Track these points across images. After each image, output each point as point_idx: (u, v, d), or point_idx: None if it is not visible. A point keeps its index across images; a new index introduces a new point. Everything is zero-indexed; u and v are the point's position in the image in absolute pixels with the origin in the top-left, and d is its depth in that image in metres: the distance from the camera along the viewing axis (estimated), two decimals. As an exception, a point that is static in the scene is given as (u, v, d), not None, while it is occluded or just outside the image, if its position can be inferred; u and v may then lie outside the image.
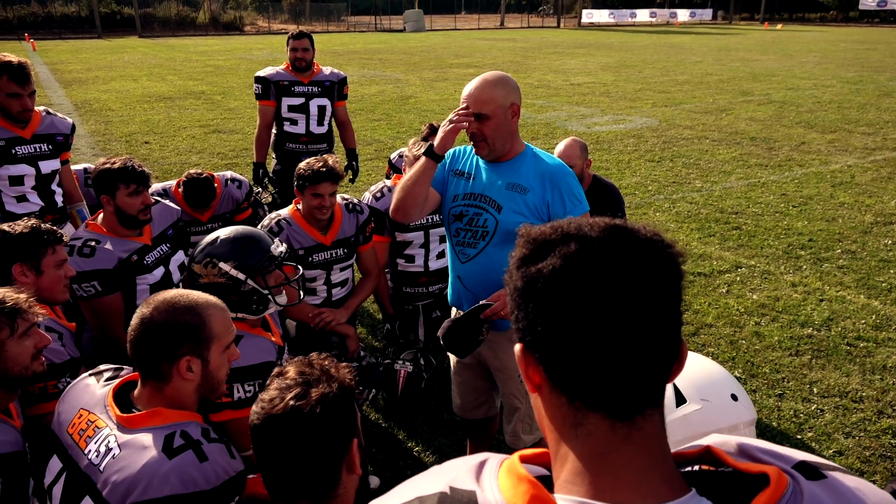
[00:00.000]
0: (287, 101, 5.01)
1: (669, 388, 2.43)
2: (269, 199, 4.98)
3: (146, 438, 1.59)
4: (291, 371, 1.42)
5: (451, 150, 2.74)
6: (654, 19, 52.18)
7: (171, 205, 3.43)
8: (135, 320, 1.73)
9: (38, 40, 29.93)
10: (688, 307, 4.83)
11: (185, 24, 40.22)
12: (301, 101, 5.02)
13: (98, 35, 35.56)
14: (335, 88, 5.14)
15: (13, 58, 3.39)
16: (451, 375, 2.93)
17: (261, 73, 5.06)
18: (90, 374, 1.86)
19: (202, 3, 42.83)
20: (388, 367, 3.75)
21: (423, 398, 3.77)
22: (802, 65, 20.89)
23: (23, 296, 1.99)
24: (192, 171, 4.00)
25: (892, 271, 5.46)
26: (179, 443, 1.57)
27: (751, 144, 10.04)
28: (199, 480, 1.53)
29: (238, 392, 2.26)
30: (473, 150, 2.54)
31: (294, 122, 5.06)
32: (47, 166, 3.61)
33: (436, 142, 2.45)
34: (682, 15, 52.82)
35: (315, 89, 5.05)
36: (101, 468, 1.58)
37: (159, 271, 3.15)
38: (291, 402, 1.35)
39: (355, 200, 3.69)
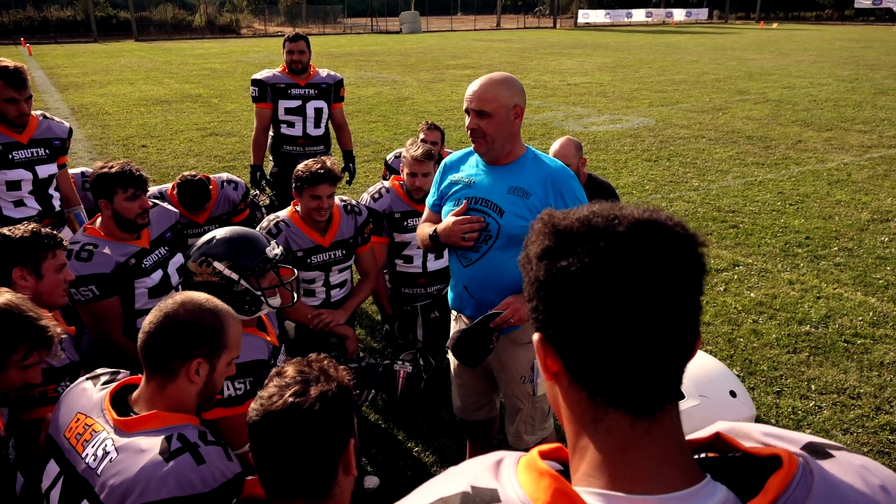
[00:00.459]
0: (284, 104, 5.01)
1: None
2: (267, 202, 4.99)
3: (143, 442, 1.60)
4: (290, 370, 1.43)
5: (445, 161, 2.75)
6: (650, 19, 52.27)
7: (169, 208, 3.43)
8: (157, 314, 1.73)
9: (34, 45, 29.92)
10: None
11: (181, 28, 40.21)
12: (298, 103, 5.03)
13: (94, 39, 35.54)
14: (332, 90, 5.15)
15: (9, 62, 3.39)
16: (452, 377, 2.94)
17: (257, 76, 5.07)
18: (87, 378, 1.87)
19: (198, 6, 42.82)
20: (388, 368, 3.75)
21: (422, 399, 3.78)
22: (798, 63, 20.94)
23: (59, 330, 2.02)
24: (186, 173, 4.00)
25: (888, 268, 5.48)
26: (177, 446, 1.58)
27: (747, 143, 10.06)
28: (196, 483, 1.54)
29: (228, 389, 2.27)
30: (473, 147, 2.54)
31: (291, 125, 5.06)
32: (44, 171, 3.61)
33: (440, 230, 2.58)
34: (678, 14, 52.92)
35: (312, 92, 5.05)
36: (99, 472, 1.58)
37: (157, 274, 3.15)
38: (290, 399, 1.35)
39: (353, 202, 3.69)
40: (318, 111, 5.08)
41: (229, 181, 4.20)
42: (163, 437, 1.60)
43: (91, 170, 3.20)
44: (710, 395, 2.50)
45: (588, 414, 0.76)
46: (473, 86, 2.46)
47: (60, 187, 3.74)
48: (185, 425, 1.66)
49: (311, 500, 1.36)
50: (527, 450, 2.28)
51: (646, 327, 0.71)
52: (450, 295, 2.77)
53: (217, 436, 1.71)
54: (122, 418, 1.67)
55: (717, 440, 0.80)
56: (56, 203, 3.72)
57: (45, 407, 2.35)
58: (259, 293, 2.45)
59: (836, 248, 5.91)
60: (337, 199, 3.56)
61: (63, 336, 2.07)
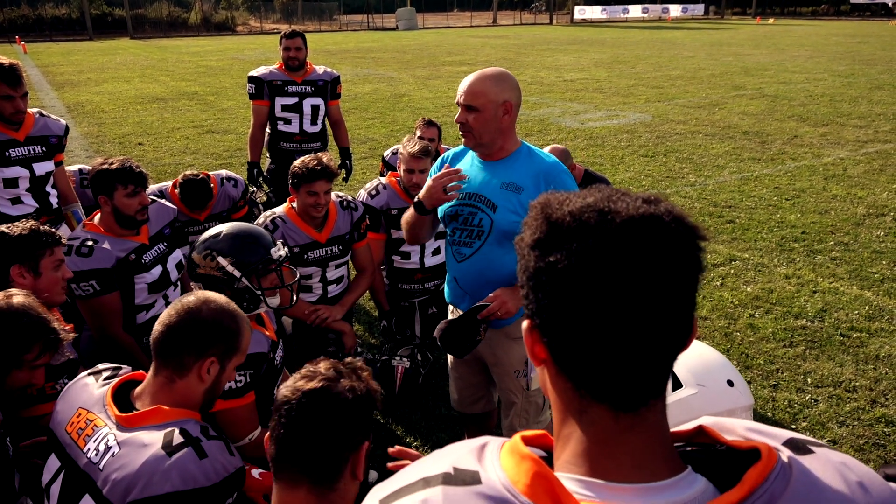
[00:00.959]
0: (280, 101, 5.02)
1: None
2: (264, 199, 4.99)
3: (146, 436, 1.61)
4: (323, 364, 1.48)
5: (443, 157, 2.76)
6: (646, 15, 52.25)
7: (168, 204, 3.44)
8: (179, 307, 1.76)
9: (29, 43, 29.82)
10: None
11: (176, 25, 40.10)
12: (294, 100, 5.03)
13: (89, 37, 35.43)
14: (328, 87, 5.15)
15: (4, 59, 3.39)
16: (449, 370, 2.95)
17: (254, 73, 5.07)
18: (89, 374, 1.88)
19: (193, 3, 42.70)
20: (386, 364, 3.77)
21: (420, 394, 3.79)
22: (794, 59, 20.97)
23: (69, 334, 2.06)
24: (188, 172, 4.01)
25: (884, 262, 5.50)
26: (179, 440, 1.59)
27: (744, 138, 10.08)
28: (199, 477, 1.55)
29: (229, 381, 2.29)
30: (462, 141, 2.55)
31: (288, 122, 5.07)
32: (41, 168, 3.61)
33: (422, 195, 2.53)
34: (675, 10, 52.90)
35: (308, 88, 5.06)
36: (101, 466, 1.59)
37: (157, 270, 3.16)
38: (323, 382, 1.41)
39: (350, 198, 3.71)
40: (315, 108, 5.09)
41: (229, 178, 4.21)
42: (165, 431, 1.61)
43: (89, 167, 3.20)
44: (707, 385, 2.52)
45: (573, 404, 0.76)
46: (466, 80, 2.46)
47: (57, 185, 3.74)
48: (186, 420, 1.67)
49: (316, 486, 1.38)
50: None
51: (633, 327, 0.70)
52: (446, 289, 2.78)
53: (218, 430, 1.73)
54: (123, 414, 1.68)
55: (700, 433, 0.80)
56: (53, 200, 3.72)
57: (43, 404, 2.36)
58: (259, 292, 2.47)
59: (832, 243, 5.93)
60: (333, 195, 3.57)
61: (70, 339, 2.09)
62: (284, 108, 5.03)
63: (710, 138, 10.13)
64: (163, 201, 3.42)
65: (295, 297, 2.72)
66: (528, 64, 20.74)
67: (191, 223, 4.01)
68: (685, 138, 10.17)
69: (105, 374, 1.86)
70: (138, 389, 1.79)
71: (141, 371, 1.88)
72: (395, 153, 4.71)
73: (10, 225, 2.47)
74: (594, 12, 51.36)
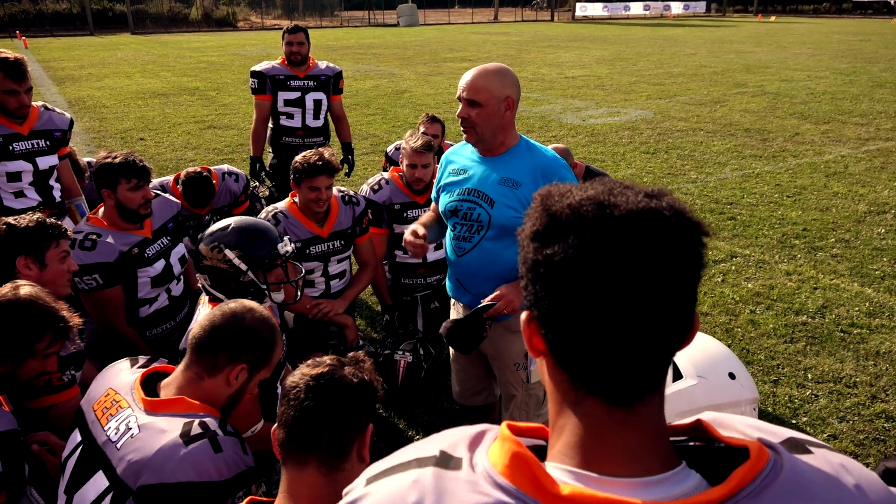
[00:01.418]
0: (283, 96, 5.02)
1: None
2: (267, 193, 5.00)
3: (166, 423, 1.65)
4: (327, 359, 1.52)
5: (445, 155, 2.77)
6: (647, 12, 52.15)
7: (171, 198, 3.45)
8: (224, 310, 1.82)
9: (30, 38, 29.78)
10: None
11: (177, 21, 40.03)
12: (297, 95, 5.03)
13: (90, 32, 35.40)
14: (331, 82, 5.15)
15: (9, 54, 3.39)
16: (451, 363, 2.97)
17: (257, 68, 5.07)
18: (127, 359, 1.97)
19: (195, -1, 42.65)
20: (388, 358, 3.78)
21: (423, 388, 3.80)
22: (796, 56, 20.94)
23: (79, 321, 2.09)
24: (189, 169, 4.02)
25: (885, 259, 5.51)
26: (197, 431, 1.62)
27: (745, 136, 10.08)
28: (211, 471, 1.57)
29: None
30: (464, 137, 2.55)
31: (290, 116, 5.07)
32: (45, 162, 3.62)
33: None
34: (676, 7, 52.81)
35: (311, 83, 5.06)
36: (119, 446, 1.63)
37: (160, 264, 3.17)
38: (328, 368, 1.46)
39: (352, 192, 3.71)
40: (318, 103, 5.09)
41: (230, 173, 4.22)
42: (185, 421, 1.65)
43: (95, 160, 3.22)
44: (707, 377, 2.53)
45: (568, 396, 0.76)
46: (467, 75, 2.46)
47: (61, 178, 3.75)
48: (207, 415, 1.71)
49: (323, 464, 1.41)
50: None
51: (629, 322, 0.70)
52: (447, 283, 2.80)
53: (234, 429, 1.76)
54: (149, 398, 1.73)
55: (698, 428, 0.80)
56: (56, 194, 3.73)
57: (50, 395, 2.37)
58: (264, 287, 2.48)
59: (833, 240, 5.94)
60: (335, 189, 3.58)
61: (81, 326, 2.11)
62: (287, 102, 5.04)
63: (712, 135, 10.13)
64: (166, 195, 3.43)
65: (300, 294, 2.73)
66: (530, 61, 20.72)
67: (192, 218, 4.02)
68: (687, 135, 10.17)
69: (141, 362, 1.94)
70: (166, 381, 1.83)
71: (171, 365, 1.93)
72: (398, 148, 4.72)
73: (16, 217, 2.48)
74: (595, 9, 51.27)
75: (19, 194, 3.59)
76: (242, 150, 9.28)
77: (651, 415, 0.75)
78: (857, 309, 4.67)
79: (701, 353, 2.65)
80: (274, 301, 2.55)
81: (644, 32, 33.84)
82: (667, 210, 0.71)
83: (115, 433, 1.67)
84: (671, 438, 0.78)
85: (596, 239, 0.69)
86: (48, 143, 3.62)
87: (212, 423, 1.67)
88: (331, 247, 3.52)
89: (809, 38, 28.03)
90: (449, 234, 2.69)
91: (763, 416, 3.54)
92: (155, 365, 1.92)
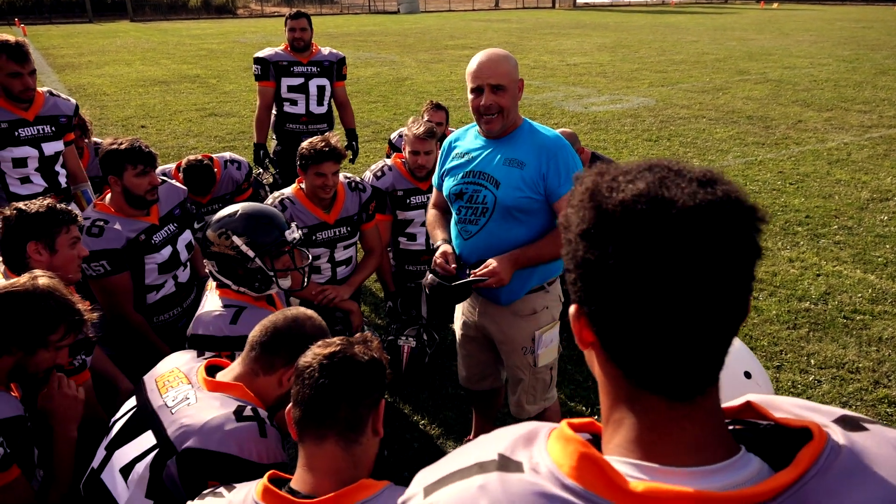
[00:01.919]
0: (286, 82, 5.01)
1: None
2: (270, 180, 5.01)
3: (221, 401, 1.76)
4: (336, 339, 1.55)
5: (447, 140, 2.76)
6: (649, -1, 51.87)
7: (178, 184, 3.45)
8: (288, 315, 1.91)
9: (29, 25, 29.64)
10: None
11: (176, 8, 39.81)
12: (300, 81, 5.03)
13: (89, 19, 35.22)
14: (334, 68, 5.14)
15: (10, 37, 3.39)
16: (457, 348, 2.98)
17: (260, 54, 5.06)
18: (194, 350, 2.13)
19: (194, -14, 42.36)
20: (392, 344, 3.80)
21: (427, 373, 3.82)
22: (799, 43, 20.85)
23: (94, 315, 2.13)
24: (190, 157, 4.02)
25: (887, 246, 5.52)
26: (249, 414, 1.73)
27: (748, 123, 10.06)
28: (252, 452, 1.66)
29: None
30: (483, 127, 2.51)
31: (294, 103, 5.07)
32: (50, 148, 3.62)
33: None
34: (678, -6, 52.47)
35: (314, 69, 5.05)
36: (174, 410, 1.75)
37: (167, 250, 3.18)
38: (339, 348, 1.49)
39: (358, 179, 3.72)
40: (321, 89, 5.09)
41: (232, 161, 4.22)
42: (239, 403, 1.76)
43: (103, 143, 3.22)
44: (722, 375, 2.52)
45: (623, 391, 0.75)
46: (480, 63, 2.44)
47: (67, 164, 3.75)
48: (258, 406, 1.82)
49: (341, 438, 1.43)
50: (535, 419, 2.29)
51: (690, 320, 0.68)
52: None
53: (278, 426, 1.86)
54: (210, 379, 1.86)
55: (748, 409, 0.79)
56: (62, 180, 3.73)
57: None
58: (271, 273, 2.49)
59: (835, 227, 5.94)
60: (341, 176, 3.58)
61: (94, 318, 2.13)
62: (290, 88, 5.03)
63: (714, 123, 10.11)
64: (173, 182, 3.43)
65: (306, 281, 2.74)
66: (532, 48, 20.63)
67: (193, 205, 4.03)
68: (689, 123, 10.15)
69: (208, 354, 2.10)
70: (224, 371, 1.94)
71: (227, 360, 2.04)
72: (401, 136, 4.72)
73: (26, 202, 2.49)
74: (597, -4, 50.95)
75: (25, 180, 3.60)
76: (244, 137, 9.27)
77: (712, 405, 0.74)
78: (859, 295, 4.69)
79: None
80: (281, 287, 2.56)
81: (646, 19, 33.67)
82: (724, 200, 0.69)
83: (173, 400, 1.79)
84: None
85: (653, 237, 0.67)
86: (53, 128, 3.62)
87: (262, 413, 1.78)
88: (337, 233, 3.53)
89: (812, 25, 27.88)
90: (454, 217, 2.69)
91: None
92: (216, 358, 2.05)
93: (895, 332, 4.20)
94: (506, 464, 0.74)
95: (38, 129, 3.56)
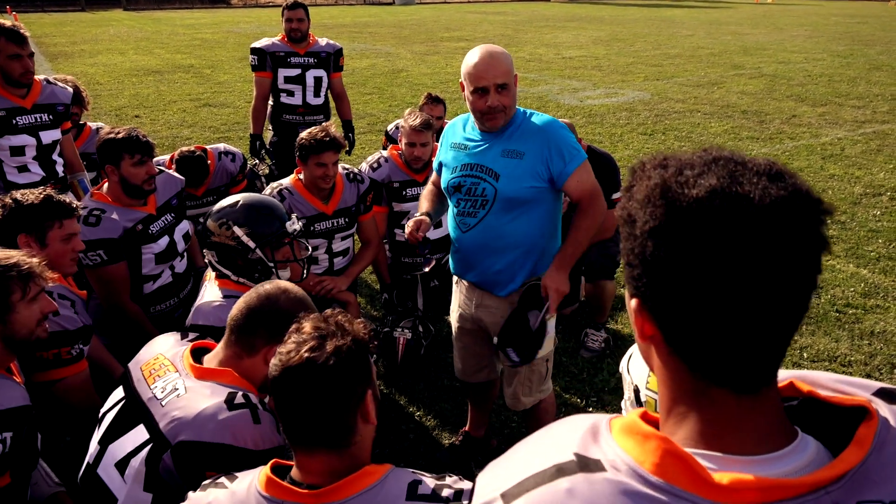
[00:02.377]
0: (283, 73, 5.00)
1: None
2: (267, 171, 5.00)
3: (211, 389, 1.72)
4: (307, 326, 1.44)
5: (446, 128, 2.76)
6: (644, -8, 51.68)
7: (175, 175, 3.45)
8: (259, 292, 1.86)
9: (21, 13, 29.35)
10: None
11: (170, -3, 39.49)
12: (297, 72, 5.01)
13: (81, 8, 34.89)
14: (331, 59, 5.13)
15: (5, 20, 3.38)
16: (453, 341, 2.99)
17: (257, 45, 5.05)
18: (177, 332, 2.04)
19: (187, -25, 42.01)
20: (388, 335, 3.81)
21: (423, 365, 3.84)
22: (793, 38, 20.89)
23: (35, 260, 2.04)
24: (184, 148, 4.01)
25: (880, 241, 5.56)
26: (241, 401, 1.69)
27: (742, 117, 10.09)
28: (247, 439, 1.63)
29: None
30: (486, 125, 2.50)
31: (291, 94, 5.06)
32: (48, 136, 3.61)
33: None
34: (673, -12, 52.32)
35: (311, 60, 5.04)
36: (164, 403, 1.71)
37: (164, 240, 3.18)
38: (306, 355, 1.37)
39: (356, 170, 3.72)
40: (318, 80, 5.07)
41: (227, 152, 4.21)
42: (230, 390, 1.72)
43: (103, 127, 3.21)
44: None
45: (687, 384, 0.75)
46: (483, 63, 2.41)
47: (64, 153, 3.74)
48: (248, 391, 1.77)
49: (332, 450, 1.39)
50: (528, 411, 2.27)
51: (761, 315, 0.69)
52: (451, 261, 2.81)
53: (271, 409, 1.81)
54: (197, 365, 1.81)
55: (791, 388, 0.80)
56: (59, 169, 3.72)
57: (57, 368, 2.39)
58: (272, 265, 2.50)
59: (829, 221, 5.97)
60: (340, 167, 3.58)
61: (51, 281, 2.11)
62: (287, 79, 5.02)
63: (709, 117, 10.14)
64: (170, 171, 3.43)
65: (305, 273, 2.75)
66: (527, 41, 20.60)
67: (188, 198, 4.02)
68: (684, 117, 10.17)
69: (192, 336, 2.02)
70: (210, 355, 1.89)
71: (214, 342, 1.99)
72: (398, 127, 4.71)
73: (25, 192, 2.48)
74: (592, -11, 50.73)
75: (23, 169, 3.59)
76: (239, 128, 9.24)
77: (775, 395, 0.75)
78: (852, 290, 4.73)
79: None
80: (280, 279, 2.57)
81: (641, 13, 33.65)
82: (795, 195, 0.69)
83: (162, 392, 1.74)
84: None
85: (731, 235, 0.67)
86: (51, 116, 3.61)
87: (254, 398, 1.74)
88: (335, 224, 3.54)
89: (807, 20, 27.93)
90: (452, 210, 2.68)
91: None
92: (201, 340, 1.99)
93: (887, 326, 4.25)
94: (586, 463, 0.73)
95: (35, 118, 3.55)
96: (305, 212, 3.42)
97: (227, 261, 2.48)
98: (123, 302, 3.08)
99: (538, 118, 2.54)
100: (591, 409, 3.52)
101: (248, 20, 28.22)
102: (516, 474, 0.77)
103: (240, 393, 1.72)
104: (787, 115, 10.20)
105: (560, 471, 0.73)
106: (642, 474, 0.70)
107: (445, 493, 1.39)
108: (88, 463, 1.84)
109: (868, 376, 3.73)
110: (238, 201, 2.48)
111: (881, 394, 0.77)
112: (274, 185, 3.50)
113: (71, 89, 3.78)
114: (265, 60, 4.99)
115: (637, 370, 1.64)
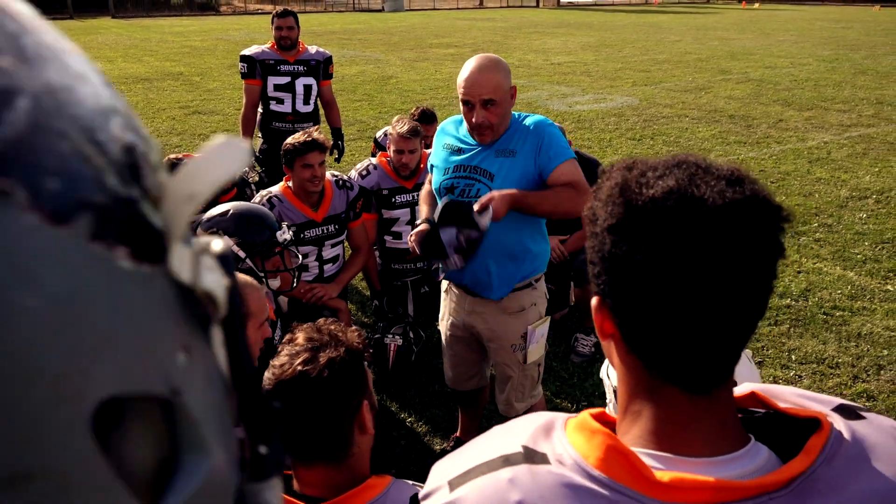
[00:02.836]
0: (273, 80, 5.01)
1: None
2: (256, 179, 5.00)
3: None
4: (300, 337, 1.42)
5: (439, 128, 2.78)
6: (632, -2, 52.11)
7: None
8: None
9: (8, 21, 29.23)
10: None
11: (159, 5, 39.46)
12: (287, 79, 5.03)
13: (70, 15, 34.79)
14: (321, 67, 5.15)
15: None
16: (443, 349, 3.00)
17: (246, 52, 5.06)
18: None
19: (176, -18, 42.01)
20: (378, 342, 3.81)
21: (414, 371, 3.84)
22: (780, 43, 21.07)
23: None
24: (173, 156, 4.00)
25: (866, 244, 5.61)
26: None
27: (729, 122, 10.17)
28: None
29: None
30: (476, 138, 2.52)
31: (280, 101, 5.07)
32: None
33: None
34: (661, -6, 52.78)
35: (301, 68, 5.06)
36: None
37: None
38: (299, 368, 1.34)
39: (345, 177, 3.73)
40: (308, 88, 5.09)
41: None
42: None
43: None
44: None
45: (643, 382, 0.76)
46: (471, 75, 2.41)
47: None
48: None
49: (331, 463, 1.38)
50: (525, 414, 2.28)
51: (714, 316, 0.69)
52: (441, 265, 2.81)
53: None
54: None
55: (751, 398, 0.81)
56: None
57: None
58: (262, 274, 2.50)
59: (815, 225, 6.03)
60: (329, 174, 3.59)
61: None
62: (277, 87, 5.03)
63: (697, 122, 10.21)
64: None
65: (296, 282, 2.75)
66: (516, 47, 20.68)
67: None
68: (672, 122, 10.24)
69: None
70: None
71: None
72: (386, 134, 4.72)
73: None
74: (581, -5, 51.12)
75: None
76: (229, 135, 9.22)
77: (727, 397, 0.76)
78: (839, 292, 4.77)
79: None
80: (270, 288, 2.58)
81: (629, 19, 33.86)
82: (751, 199, 0.70)
83: None
84: None
85: (682, 234, 0.68)
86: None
87: None
88: (325, 231, 3.54)
89: (793, 25, 28.19)
90: None
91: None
92: None
93: (873, 328, 4.29)
94: (531, 456, 0.74)
95: None
96: (295, 219, 3.43)
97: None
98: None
99: (530, 119, 2.56)
100: (581, 414, 3.53)
101: (237, 28, 28.20)
102: (466, 463, 0.79)
103: None
104: (774, 120, 10.29)
105: (506, 461, 0.75)
106: (586, 469, 0.71)
107: None
108: None
109: (855, 378, 3.76)
110: (228, 210, 2.48)
111: (840, 409, 0.78)
112: (263, 192, 3.51)
113: None
114: (255, 68, 5.00)
115: (615, 374, 1.66)
